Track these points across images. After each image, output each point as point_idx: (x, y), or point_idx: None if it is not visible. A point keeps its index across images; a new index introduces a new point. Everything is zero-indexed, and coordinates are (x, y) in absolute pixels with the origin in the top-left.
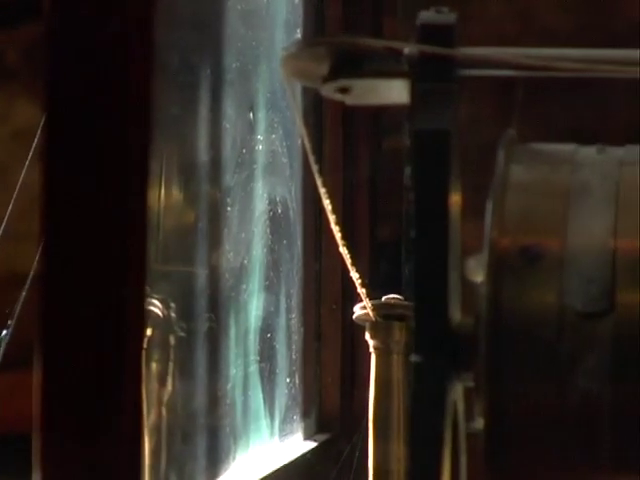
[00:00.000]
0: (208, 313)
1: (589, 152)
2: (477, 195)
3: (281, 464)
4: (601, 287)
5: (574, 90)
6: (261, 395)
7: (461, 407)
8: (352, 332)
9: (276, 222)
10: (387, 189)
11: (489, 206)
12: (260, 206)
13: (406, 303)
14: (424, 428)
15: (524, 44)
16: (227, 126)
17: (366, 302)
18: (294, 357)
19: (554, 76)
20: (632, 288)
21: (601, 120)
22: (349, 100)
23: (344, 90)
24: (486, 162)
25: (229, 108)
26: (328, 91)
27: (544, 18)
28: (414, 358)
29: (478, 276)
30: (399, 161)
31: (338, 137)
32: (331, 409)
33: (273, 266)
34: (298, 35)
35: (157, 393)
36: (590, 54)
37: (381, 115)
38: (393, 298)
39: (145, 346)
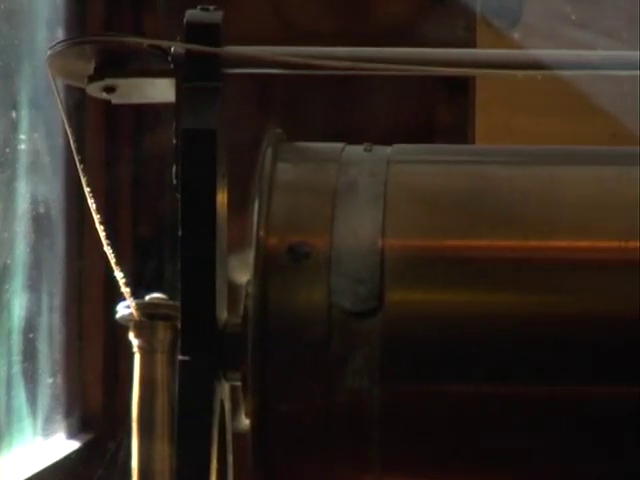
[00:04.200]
0: None
1: (356, 151)
2: (237, 193)
3: (45, 464)
4: (370, 286)
5: (339, 89)
6: (24, 395)
7: (228, 406)
8: (115, 331)
9: (39, 221)
10: (149, 188)
11: (255, 205)
12: (23, 205)
13: (171, 302)
14: (191, 427)
15: (284, 45)
16: None
17: (130, 301)
18: (57, 357)
19: (320, 74)
20: (400, 287)
21: (366, 120)
22: (115, 99)
23: (109, 89)
24: (247, 161)
25: None
26: (94, 90)
27: (303, 20)
28: (181, 357)
29: (239, 274)
30: (161, 160)
31: (101, 136)
32: (94, 408)
33: (36, 265)
34: (60, 34)
35: None
36: (356, 52)
37: (143, 113)
38: (157, 297)
39: None
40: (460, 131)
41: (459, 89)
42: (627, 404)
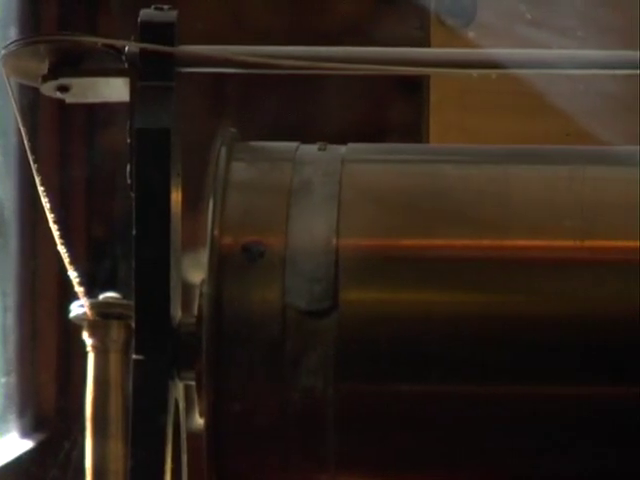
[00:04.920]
0: None
1: (311, 150)
2: (189, 192)
3: None
4: (324, 286)
5: (293, 88)
6: None
7: (182, 405)
8: (69, 330)
9: None
10: (103, 187)
11: (210, 204)
12: None
13: (125, 302)
14: (145, 426)
15: (239, 44)
16: None
17: (84, 301)
18: (10, 356)
19: (275, 73)
20: (355, 286)
21: (320, 118)
22: (69, 98)
23: (63, 88)
24: (199, 159)
25: None
26: (48, 90)
27: (256, 18)
28: (135, 356)
29: (193, 274)
30: (115, 159)
31: (54, 135)
32: (48, 407)
33: None
34: (13, 33)
35: None
36: (311, 52)
37: (97, 113)
38: (111, 297)
39: None
40: (414, 130)
41: (413, 88)
42: (581, 404)
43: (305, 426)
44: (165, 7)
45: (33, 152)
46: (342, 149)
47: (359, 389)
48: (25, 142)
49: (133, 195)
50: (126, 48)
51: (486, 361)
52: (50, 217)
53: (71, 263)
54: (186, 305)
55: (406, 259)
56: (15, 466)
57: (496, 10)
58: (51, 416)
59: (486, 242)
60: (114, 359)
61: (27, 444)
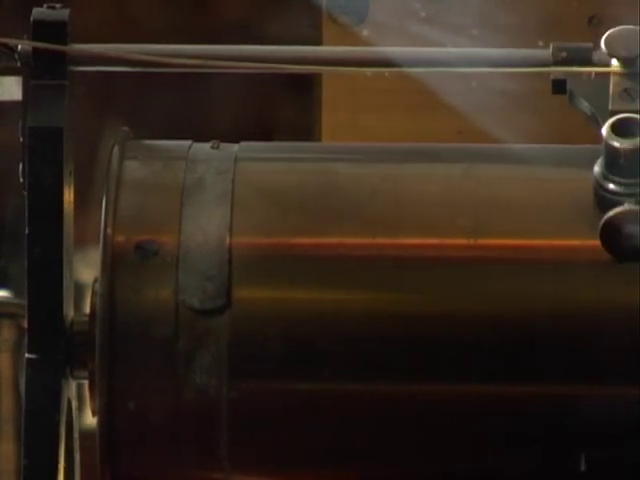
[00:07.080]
0: None
1: (204, 148)
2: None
3: None
4: (217, 284)
5: (183, 87)
6: None
7: (75, 404)
8: None
9: None
10: None
11: (103, 203)
12: None
13: (17, 301)
14: (38, 426)
15: (129, 43)
16: None
17: None
18: None
19: (167, 72)
20: (248, 285)
21: (212, 117)
22: None
23: None
24: (87, 158)
25: None
26: None
27: (147, 18)
28: (27, 355)
29: (83, 272)
30: (6, 157)
31: None
32: None
33: None
34: None
35: None
36: (203, 50)
37: None
38: (2, 296)
39: None
40: (306, 129)
41: (304, 87)
42: (472, 402)
43: (199, 425)
44: (57, 6)
45: None
46: (235, 147)
47: (252, 388)
48: None
49: (26, 194)
50: (19, 46)
51: (378, 360)
52: None
53: None
54: (78, 304)
55: (299, 257)
56: None
57: (389, 8)
58: None
59: (379, 240)
60: (6, 358)
61: None
